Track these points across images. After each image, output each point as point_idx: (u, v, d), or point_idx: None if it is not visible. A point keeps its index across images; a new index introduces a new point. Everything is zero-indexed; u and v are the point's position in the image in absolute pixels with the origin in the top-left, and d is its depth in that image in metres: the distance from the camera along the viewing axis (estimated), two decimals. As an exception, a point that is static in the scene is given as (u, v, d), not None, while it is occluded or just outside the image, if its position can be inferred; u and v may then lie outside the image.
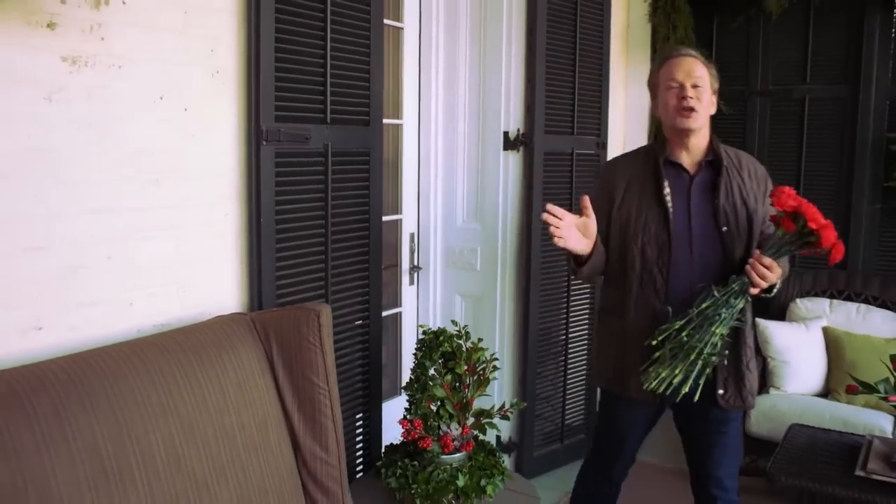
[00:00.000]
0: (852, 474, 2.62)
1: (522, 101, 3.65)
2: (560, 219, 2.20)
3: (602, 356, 2.60)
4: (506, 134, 3.67)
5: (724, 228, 2.34)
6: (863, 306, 4.05)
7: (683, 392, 2.22)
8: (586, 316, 4.02)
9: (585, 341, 4.03)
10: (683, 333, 2.23)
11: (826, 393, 3.82)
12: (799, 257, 2.35)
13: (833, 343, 3.88)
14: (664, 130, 2.46)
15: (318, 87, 2.52)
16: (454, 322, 2.76)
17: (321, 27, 2.50)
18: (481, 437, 2.67)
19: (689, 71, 2.35)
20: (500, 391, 3.73)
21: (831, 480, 2.62)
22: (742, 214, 2.36)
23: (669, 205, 2.36)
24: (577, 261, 2.36)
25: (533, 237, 3.65)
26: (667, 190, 2.36)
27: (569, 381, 3.97)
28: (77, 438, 1.63)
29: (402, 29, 3.53)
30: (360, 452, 2.83)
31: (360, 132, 2.69)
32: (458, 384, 2.63)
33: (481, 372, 2.65)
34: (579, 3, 3.76)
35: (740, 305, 2.26)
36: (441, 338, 2.61)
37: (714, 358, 2.23)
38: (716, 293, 2.24)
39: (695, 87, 2.33)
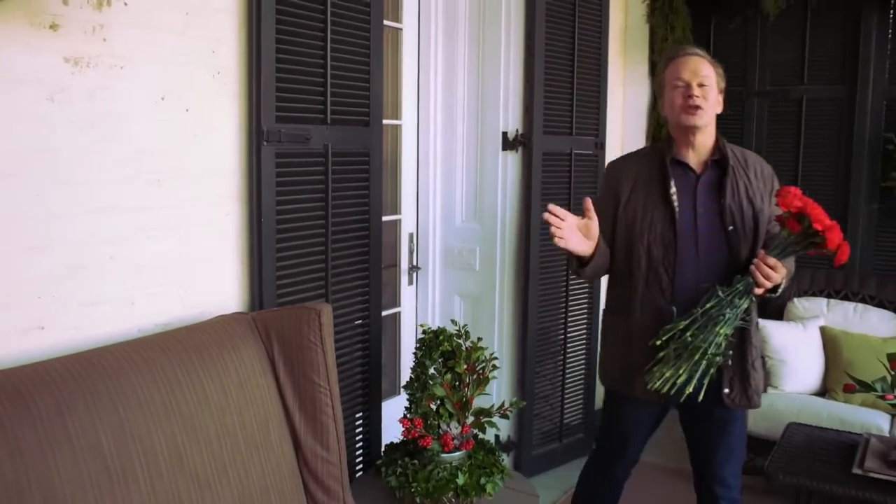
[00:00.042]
0: (849, 472, 2.64)
1: (521, 101, 3.66)
2: (562, 219, 2.20)
3: (607, 356, 2.60)
4: (504, 134, 3.68)
5: (730, 228, 2.34)
6: (860, 306, 4.07)
7: (687, 392, 2.22)
8: (585, 315, 4.03)
9: (584, 341, 4.05)
10: (688, 333, 2.23)
11: (823, 392, 3.84)
12: (797, 256, 2.35)
13: (830, 342, 3.89)
14: (670, 129, 2.46)
15: (319, 87, 2.53)
16: (454, 321, 2.77)
17: (321, 28, 2.51)
18: (481, 435, 2.68)
19: (695, 70, 2.35)
20: (498, 390, 3.74)
21: (829, 478, 2.64)
22: (748, 214, 2.35)
23: (675, 204, 2.35)
24: (579, 261, 2.37)
25: (532, 237, 3.66)
26: (673, 189, 2.36)
27: (567, 381, 3.98)
28: (80, 437, 1.64)
29: (400, 30, 3.54)
30: (360, 451, 2.84)
31: (360, 133, 2.70)
32: (457, 383, 2.64)
33: (481, 371, 2.66)
34: (577, 4, 3.77)
35: (745, 305, 2.26)
36: (441, 337, 2.62)
37: (718, 358, 2.23)
38: (720, 293, 2.25)
39: (701, 85, 2.33)
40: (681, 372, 2.21)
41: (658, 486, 3.61)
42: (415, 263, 3.78)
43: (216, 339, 2.03)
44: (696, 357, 2.21)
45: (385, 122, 2.99)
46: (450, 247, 3.85)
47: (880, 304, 4.08)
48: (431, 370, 2.64)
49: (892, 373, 2.65)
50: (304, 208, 2.52)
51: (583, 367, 4.06)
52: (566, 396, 3.99)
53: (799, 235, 2.17)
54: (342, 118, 2.62)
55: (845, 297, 4.16)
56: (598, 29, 3.93)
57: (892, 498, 2.51)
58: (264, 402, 2.07)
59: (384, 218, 2.95)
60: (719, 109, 2.41)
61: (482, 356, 2.68)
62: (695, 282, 2.32)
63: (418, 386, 2.61)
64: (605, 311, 2.63)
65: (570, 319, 3.94)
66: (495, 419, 2.64)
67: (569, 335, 3.95)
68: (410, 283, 3.78)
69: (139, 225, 2.10)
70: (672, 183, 2.37)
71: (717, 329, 2.21)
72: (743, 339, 2.38)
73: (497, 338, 3.78)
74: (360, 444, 2.84)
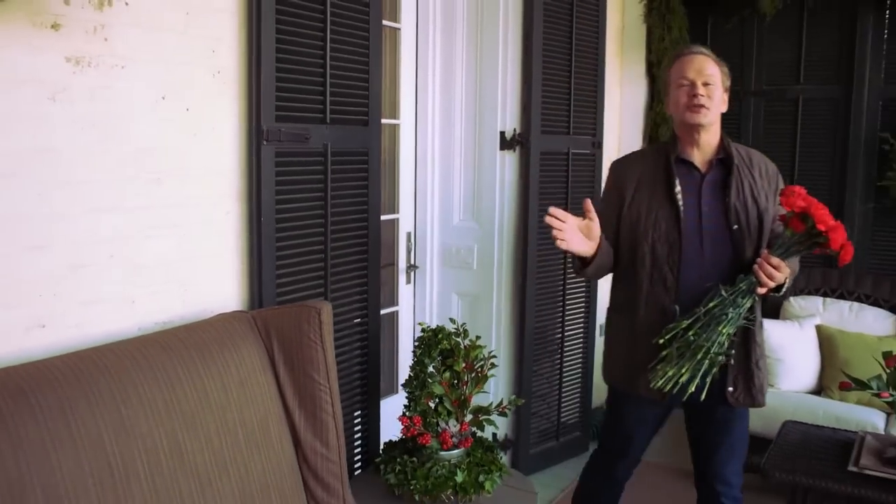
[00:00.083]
0: (845, 470, 2.65)
1: (519, 101, 3.67)
2: (563, 221, 2.21)
3: (611, 354, 2.59)
4: (502, 134, 3.69)
5: (735, 227, 2.34)
6: (855, 304, 4.09)
7: (690, 391, 2.23)
8: (582, 314, 4.05)
9: (581, 340, 4.06)
10: (690, 332, 2.23)
11: (819, 390, 3.86)
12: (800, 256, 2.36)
13: (826, 341, 3.91)
14: (675, 128, 2.45)
15: (318, 87, 2.54)
16: (452, 320, 2.79)
17: (321, 28, 2.52)
18: (479, 433, 2.69)
19: (700, 69, 2.35)
20: (496, 389, 3.75)
21: (824, 476, 2.65)
22: (753, 213, 2.35)
23: (680, 203, 2.35)
24: (581, 262, 2.37)
25: (529, 236, 3.68)
26: (678, 188, 2.36)
27: (564, 379, 3.99)
28: (82, 434, 1.65)
29: (399, 29, 3.55)
30: (358, 449, 2.85)
31: (359, 132, 2.72)
32: (456, 381, 2.66)
33: (479, 369, 2.67)
34: (575, 4, 3.78)
35: (748, 305, 2.26)
36: (440, 335, 2.64)
37: (721, 357, 2.24)
38: (723, 292, 2.25)
39: (706, 84, 2.33)
40: (683, 371, 2.22)
41: (658, 486, 3.62)
42: (412, 262, 3.79)
43: (217, 337, 2.05)
44: (699, 356, 2.21)
45: (383, 121, 3.01)
46: (447, 246, 3.86)
47: (876, 303, 4.10)
48: (430, 368, 2.65)
49: (888, 371, 2.66)
50: (304, 207, 2.53)
51: (580, 365, 4.08)
52: (563, 395, 4.00)
53: (802, 235, 2.17)
54: (341, 118, 2.63)
55: (841, 296, 4.18)
56: (596, 29, 3.95)
57: (888, 494, 2.52)
58: (264, 400, 2.08)
59: (382, 217, 2.96)
60: (724, 108, 2.41)
61: (480, 354, 2.69)
62: (699, 281, 2.32)
63: (417, 384, 2.62)
64: (609, 309, 2.62)
65: (567, 318, 3.96)
66: (494, 417, 2.66)
67: (566, 334, 3.96)
68: (408, 282, 3.79)
69: (140, 224, 2.11)
70: (677, 182, 2.37)
71: (719, 328, 2.21)
72: (747, 338, 2.38)
73: (495, 336, 3.79)
74: (359, 442, 2.85)
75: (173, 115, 2.17)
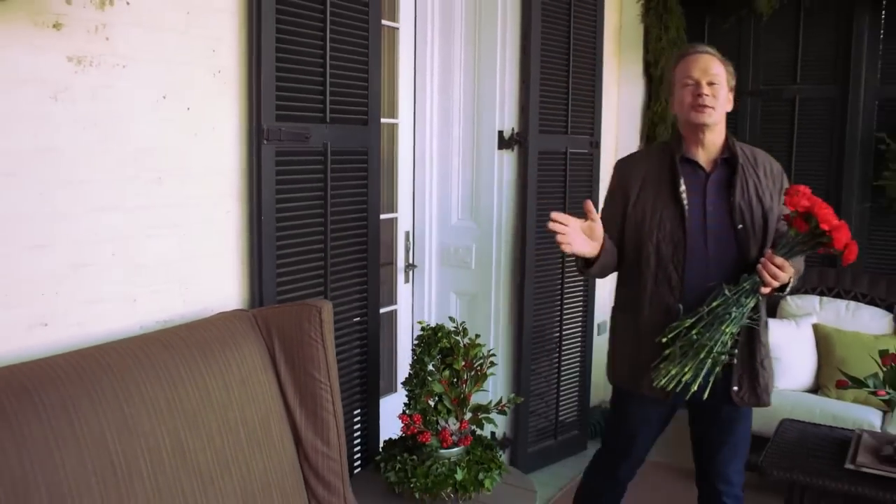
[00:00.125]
0: (842, 467, 2.66)
1: (517, 100, 3.68)
2: (565, 225, 2.21)
3: (616, 353, 2.58)
4: (500, 133, 3.70)
5: (740, 226, 2.34)
6: (852, 303, 4.11)
7: (693, 390, 2.23)
8: (580, 313, 4.06)
9: (579, 339, 4.08)
10: (693, 332, 2.24)
11: (816, 389, 3.88)
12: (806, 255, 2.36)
13: (823, 340, 3.93)
14: (680, 127, 2.45)
15: (318, 86, 2.55)
16: (452, 319, 2.80)
17: (321, 28, 2.53)
18: (478, 431, 2.70)
19: (705, 68, 2.35)
20: (494, 388, 3.75)
21: (822, 474, 2.66)
22: (757, 212, 2.35)
23: (685, 202, 2.35)
24: (585, 262, 2.37)
25: (527, 235, 3.69)
26: (682, 187, 2.36)
27: (562, 378, 4.01)
28: (85, 432, 1.65)
29: (397, 29, 3.56)
30: (358, 448, 2.86)
31: (359, 131, 2.72)
32: (455, 380, 2.66)
33: (478, 368, 2.68)
34: (573, 4, 3.79)
35: (751, 304, 2.26)
36: (439, 334, 2.65)
37: (724, 357, 2.24)
38: (727, 292, 2.25)
39: (711, 84, 2.33)
40: (686, 370, 2.21)
41: (658, 485, 3.63)
42: (411, 262, 3.80)
43: (218, 335, 2.05)
44: (702, 355, 2.21)
45: (382, 121, 3.01)
46: (446, 245, 3.87)
47: (872, 302, 4.12)
48: (430, 367, 2.66)
49: (884, 369, 2.67)
50: (304, 206, 2.54)
51: (578, 364, 4.09)
52: (561, 394, 4.01)
53: (806, 235, 2.17)
54: (341, 117, 2.64)
55: (837, 295, 4.21)
56: (593, 29, 3.96)
57: (884, 492, 2.53)
58: (266, 399, 2.09)
59: (381, 216, 2.97)
60: (730, 107, 2.41)
61: (480, 353, 2.70)
62: (704, 280, 2.31)
63: (417, 382, 2.63)
64: (614, 308, 2.61)
65: (565, 317, 3.97)
66: (493, 415, 2.67)
67: (564, 333, 3.98)
68: (407, 281, 3.80)
69: (141, 223, 2.11)
70: (682, 181, 2.37)
71: (723, 327, 2.21)
72: (751, 338, 2.38)
73: (493, 335, 3.80)
74: (358, 440, 2.86)
75: (174, 115, 2.17)
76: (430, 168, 3.80)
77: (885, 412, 3.58)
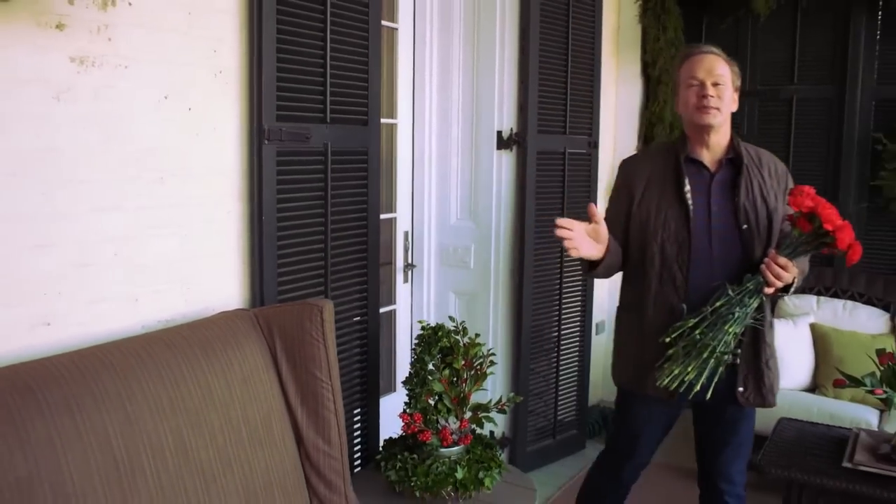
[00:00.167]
0: (840, 466, 2.67)
1: (515, 100, 3.69)
2: (570, 230, 2.20)
3: (621, 354, 2.58)
4: (499, 133, 3.71)
5: (744, 227, 2.34)
6: (849, 303, 4.13)
7: (695, 390, 2.23)
8: (578, 313, 4.07)
9: (577, 338, 4.09)
10: (697, 331, 2.24)
11: (814, 388, 3.89)
12: (811, 255, 2.37)
13: (820, 339, 3.95)
14: (685, 128, 2.45)
15: (319, 87, 2.55)
16: (452, 318, 2.81)
17: (321, 28, 2.54)
18: (478, 430, 2.71)
19: (709, 69, 2.34)
20: (493, 387, 3.76)
21: (819, 472, 2.68)
22: (762, 213, 2.35)
23: (690, 202, 2.35)
24: (590, 264, 2.36)
25: (526, 235, 3.70)
26: (687, 187, 2.36)
27: (561, 378, 4.02)
28: (88, 431, 1.66)
29: (396, 29, 3.57)
30: (358, 447, 2.87)
31: (359, 131, 2.73)
32: (455, 379, 2.67)
33: (478, 367, 2.69)
34: (571, 4, 3.81)
35: (755, 304, 2.26)
36: (440, 333, 2.66)
37: (727, 357, 2.24)
38: (730, 292, 2.25)
39: (716, 84, 2.33)
40: (689, 369, 2.22)
41: (658, 484, 3.64)
42: (410, 261, 3.81)
43: (220, 335, 2.06)
44: (705, 355, 2.21)
45: (381, 121, 3.02)
46: (445, 245, 3.88)
47: (869, 302, 4.14)
48: (430, 366, 2.67)
49: (881, 368, 2.69)
50: (305, 206, 2.55)
51: (576, 364, 4.10)
52: (560, 393, 4.03)
53: (810, 235, 2.17)
54: (341, 117, 2.65)
55: (835, 295, 4.22)
56: (592, 29, 3.97)
57: (881, 490, 2.55)
58: (267, 398, 2.09)
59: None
60: (734, 108, 2.40)
61: (480, 352, 2.71)
62: (709, 280, 2.31)
63: (418, 381, 2.64)
64: (618, 308, 2.61)
65: (563, 317, 3.98)
66: (493, 414, 2.68)
67: (562, 332, 3.99)
68: (406, 280, 3.81)
69: (143, 223, 2.12)
70: (686, 181, 2.36)
71: (726, 327, 2.21)
72: (756, 338, 2.37)
73: (492, 335, 3.81)
74: (358, 439, 2.87)
75: (175, 115, 2.18)
76: (428, 168, 3.81)
77: (881, 411, 3.60)
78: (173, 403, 1.85)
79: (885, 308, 4.09)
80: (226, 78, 2.31)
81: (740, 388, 2.38)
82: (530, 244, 3.71)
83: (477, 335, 2.77)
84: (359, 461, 2.87)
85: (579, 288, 4.05)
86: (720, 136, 2.39)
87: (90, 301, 2.01)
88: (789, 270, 2.21)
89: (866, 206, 4.36)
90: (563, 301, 3.96)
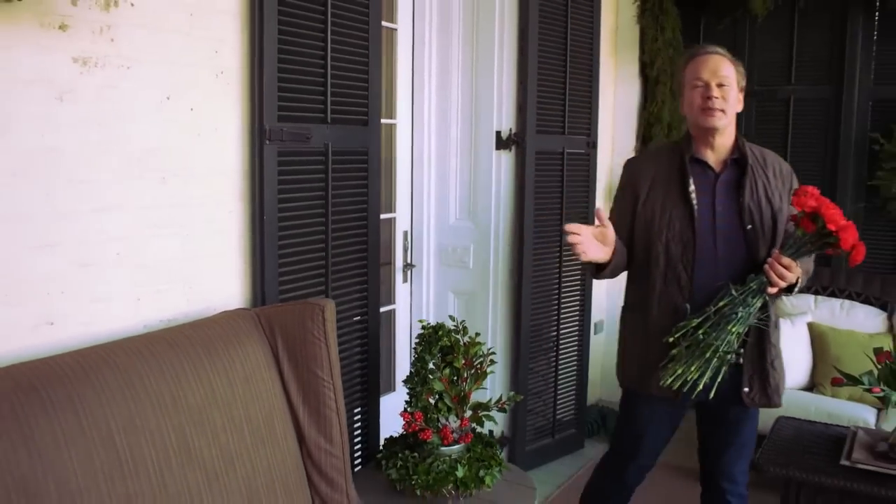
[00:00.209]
0: (838, 464, 2.69)
1: (514, 101, 3.71)
2: (579, 235, 2.20)
3: (626, 354, 2.57)
4: (498, 133, 3.72)
5: (749, 227, 2.34)
6: (846, 302, 4.15)
7: (698, 390, 2.24)
8: (577, 312, 4.08)
9: (576, 338, 4.10)
10: (700, 331, 2.24)
11: (811, 387, 3.91)
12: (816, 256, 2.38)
13: (818, 338, 3.97)
14: (689, 128, 2.45)
15: (319, 87, 2.57)
16: (452, 318, 2.82)
17: (322, 29, 2.55)
18: (478, 429, 2.72)
19: (714, 70, 2.34)
20: (492, 387, 3.77)
21: (818, 470, 2.69)
22: (767, 213, 2.35)
23: (695, 202, 2.35)
24: (597, 266, 2.37)
25: (525, 235, 3.71)
26: (692, 188, 2.36)
27: (560, 377, 4.03)
28: (92, 429, 1.67)
29: (395, 30, 3.58)
30: (359, 445, 2.88)
31: (359, 132, 2.74)
32: (455, 378, 2.68)
33: (478, 366, 2.70)
34: (570, 5, 3.82)
35: (758, 304, 2.26)
36: (440, 332, 2.67)
37: (730, 356, 2.24)
38: (733, 292, 2.25)
39: (720, 85, 2.32)
40: (692, 369, 2.22)
41: (659, 484, 3.64)
42: (409, 261, 3.82)
43: (222, 334, 2.07)
44: (708, 355, 2.21)
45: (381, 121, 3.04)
46: (444, 245, 3.89)
47: (866, 301, 4.15)
48: (431, 365, 2.68)
49: (879, 367, 2.70)
50: (305, 206, 2.56)
51: (575, 363, 4.11)
52: (559, 392, 4.04)
53: (813, 235, 2.18)
54: (342, 117, 2.66)
55: (832, 294, 4.24)
56: (590, 30, 3.98)
57: (879, 488, 2.56)
58: (269, 396, 2.10)
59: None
60: (740, 108, 2.40)
61: (480, 351, 2.72)
62: (713, 280, 2.31)
63: (418, 380, 2.65)
64: (623, 308, 2.61)
65: (562, 316, 3.99)
66: (493, 413, 2.69)
67: (561, 332, 4.00)
68: (405, 280, 3.82)
69: (145, 223, 2.13)
70: (691, 181, 2.36)
71: (729, 327, 2.22)
72: (761, 339, 2.38)
73: (491, 335, 3.82)
74: (359, 438, 2.88)
75: (177, 116, 2.19)
76: (428, 168, 3.82)
77: (879, 409, 3.61)
78: (176, 402, 1.86)
79: (883, 307, 4.11)
80: (227, 78, 2.32)
81: (746, 389, 2.38)
82: (529, 244, 3.72)
83: (477, 334, 2.78)
84: (359, 460, 2.88)
85: (578, 287, 4.06)
86: (725, 137, 2.39)
87: (92, 300, 2.02)
88: (793, 270, 2.21)
89: (863, 206, 4.38)
90: (562, 300, 3.97)
